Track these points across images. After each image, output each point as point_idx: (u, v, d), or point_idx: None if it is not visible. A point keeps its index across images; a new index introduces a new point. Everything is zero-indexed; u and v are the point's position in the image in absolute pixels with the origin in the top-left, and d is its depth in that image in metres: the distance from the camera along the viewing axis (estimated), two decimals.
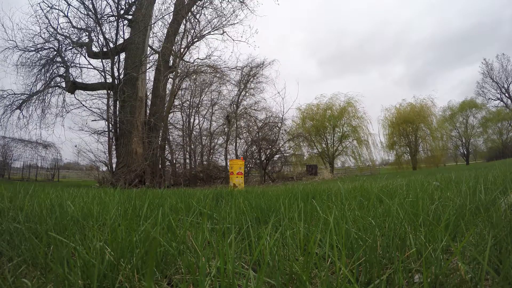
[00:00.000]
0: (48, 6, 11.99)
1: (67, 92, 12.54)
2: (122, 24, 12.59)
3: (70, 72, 12.59)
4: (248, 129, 18.66)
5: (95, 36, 12.50)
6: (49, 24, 12.18)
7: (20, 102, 12.43)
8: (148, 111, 12.82)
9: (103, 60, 12.10)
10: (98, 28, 12.06)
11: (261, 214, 1.98)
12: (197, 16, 14.49)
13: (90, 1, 11.77)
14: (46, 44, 12.36)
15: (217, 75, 15.76)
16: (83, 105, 12.27)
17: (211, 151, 17.81)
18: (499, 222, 1.21)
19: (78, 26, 12.62)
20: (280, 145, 18.05)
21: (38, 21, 12.11)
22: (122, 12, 12.72)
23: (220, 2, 14.29)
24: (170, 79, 13.92)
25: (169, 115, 14.74)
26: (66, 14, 12.25)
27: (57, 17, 12.35)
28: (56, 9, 12.15)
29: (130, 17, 12.84)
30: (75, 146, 12.64)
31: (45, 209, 2.09)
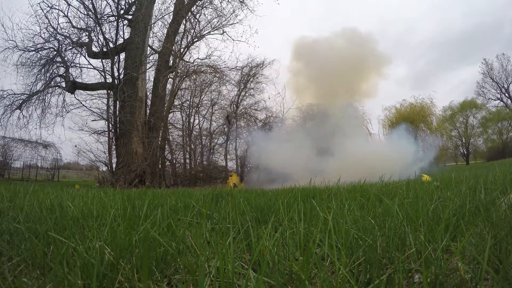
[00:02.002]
0: (48, 6, 11.98)
1: (67, 92, 12.53)
2: (122, 24, 12.59)
3: (70, 72, 12.58)
4: (248, 129, 18.67)
5: (95, 36, 12.49)
6: (49, 24, 12.17)
7: (20, 102, 12.42)
8: (148, 111, 12.81)
9: (103, 60, 12.09)
10: (98, 28, 12.05)
11: (261, 214, 1.98)
12: (197, 16, 14.49)
13: (90, 1, 11.77)
14: (46, 44, 12.35)
15: (217, 75, 15.75)
16: (83, 105, 12.27)
17: (211, 151, 17.81)
18: (499, 222, 1.21)
19: (78, 26, 12.61)
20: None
21: (38, 21, 12.10)
22: (122, 12, 12.71)
23: (220, 2, 14.28)
24: (170, 79, 13.92)
25: (169, 115, 14.75)
26: (66, 14, 12.25)
27: (57, 17, 12.34)
28: (56, 9, 12.14)
29: (130, 17, 12.83)
30: (75, 146, 12.63)
31: (45, 209, 2.09)
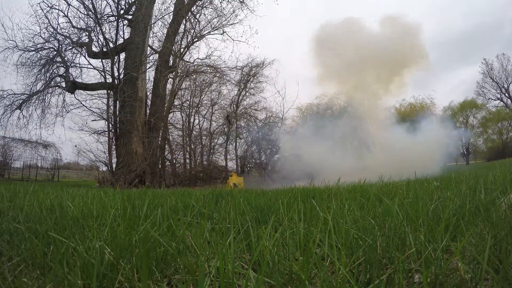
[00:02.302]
0: (48, 6, 11.98)
1: (67, 92, 12.53)
2: (122, 24, 12.59)
3: (70, 72, 12.58)
4: (248, 129, 18.69)
5: (95, 36, 12.50)
6: (49, 24, 12.17)
7: (20, 102, 12.42)
8: (148, 111, 12.82)
9: (103, 60, 12.10)
10: (98, 28, 12.05)
11: (261, 214, 1.98)
12: (197, 16, 14.49)
13: (90, 1, 11.77)
14: (46, 44, 12.34)
15: (217, 75, 15.75)
16: (83, 105, 12.29)
17: (211, 151, 17.82)
18: (499, 222, 1.21)
19: (78, 26, 12.61)
20: (280, 145, 18.05)
21: (38, 21, 12.10)
22: (122, 12, 12.71)
23: (220, 2, 14.28)
24: (170, 79, 13.92)
25: (169, 115, 14.75)
26: (66, 14, 12.25)
27: (57, 17, 12.35)
28: (56, 9, 12.14)
29: (130, 17, 12.83)
30: (75, 146, 12.63)
31: (45, 209, 2.09)
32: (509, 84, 33.53)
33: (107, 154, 11.96)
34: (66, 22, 12.46)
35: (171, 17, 13.95)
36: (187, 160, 16.71)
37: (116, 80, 11.73)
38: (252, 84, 18.53)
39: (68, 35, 12.55)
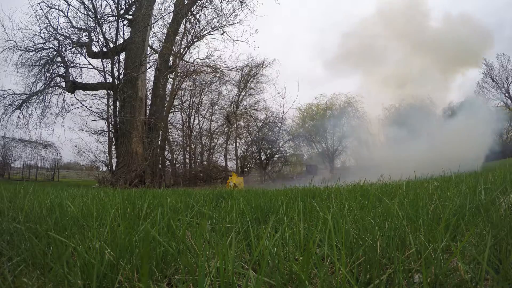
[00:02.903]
0: (48, 6, 11.99)
1: (67, 92, 12.54)
2: (122, 24, 12.61)
3: (70, 72, 12.59)
4: (248, 129, 18.70)
5: (95, 36, 12.51)
6: (49, 24, 12.19)
7: (20, 102, 12.43)
8: (148, 111, 12.83)
9: (103, 60, 12.11)
10: (98, 28, 12.06)
11: (261, 214, 1.98)
12: (197, 16, 14.50)
13: (90, 1, 11.78)
14: (46, 44, 12.36)
15: (217, 75, 15.77)
16: (83, 105, 12.33)
17: (211, 151, 17.82)
18: (499, 222, 1.21)
19: (78, 26, 12.63)
20: (280, 145, 18.09)
21: (38, 21, 12.12)
22: (122, 12, 12.72)
23: (220, 2, 14.29)
24: (170, 79, 13.92)
25: (169, 115, 14.75)
26: (66, 14, 12.26)
27: (57, 17, 12.37)
28: (56, 9, 12.16)
29: (130, 17, 12.84)
30: (75, 146, 12.66)
31: (45, 209, 2.09)
32: (509, 84, 33.50)
33: (107, 154, 11.98)
34: (66, 22, 12.49)
35: (171, 17, 13.97)
36: (187, 160, 16.72)
37: (116, 80, 11.73)
38: (252, 84, 18.56)
39: (68, 35, 12.56)
